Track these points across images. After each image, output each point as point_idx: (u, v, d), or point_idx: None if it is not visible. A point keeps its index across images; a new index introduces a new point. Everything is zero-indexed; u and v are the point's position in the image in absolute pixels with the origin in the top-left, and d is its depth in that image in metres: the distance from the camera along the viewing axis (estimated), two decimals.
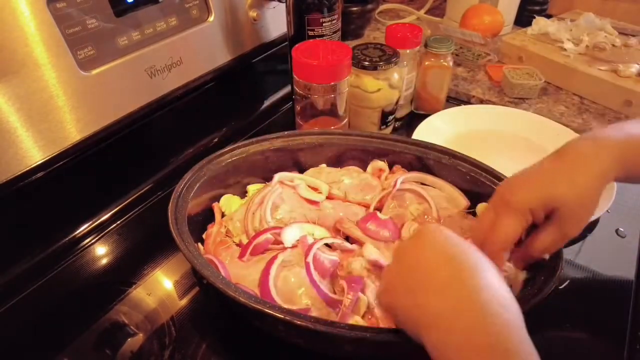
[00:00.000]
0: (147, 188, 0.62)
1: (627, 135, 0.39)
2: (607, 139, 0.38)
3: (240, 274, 0.44)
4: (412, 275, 0.32)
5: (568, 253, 0.52)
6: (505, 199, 0.38)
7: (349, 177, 0.55)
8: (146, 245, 0.55)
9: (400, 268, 0.34)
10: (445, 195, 0.52)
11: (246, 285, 0.42)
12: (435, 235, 0.33)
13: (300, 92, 0.60)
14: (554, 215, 0.37)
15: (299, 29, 0.64)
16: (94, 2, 0.50)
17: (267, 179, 0.55)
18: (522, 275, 0.42)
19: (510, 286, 0.42)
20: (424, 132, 0.67)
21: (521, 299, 0.37)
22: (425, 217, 0.50)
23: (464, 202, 0.51)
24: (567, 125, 0.69)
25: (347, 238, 0.48)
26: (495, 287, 0.29)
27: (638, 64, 0.75)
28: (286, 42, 0.72)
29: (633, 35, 0.85)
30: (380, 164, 0.56)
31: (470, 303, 0.28)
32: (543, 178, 0.38)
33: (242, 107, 0.77)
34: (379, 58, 0.62)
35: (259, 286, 0.42)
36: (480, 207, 0.50)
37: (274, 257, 0.43)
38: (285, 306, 0.39)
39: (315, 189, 0.54)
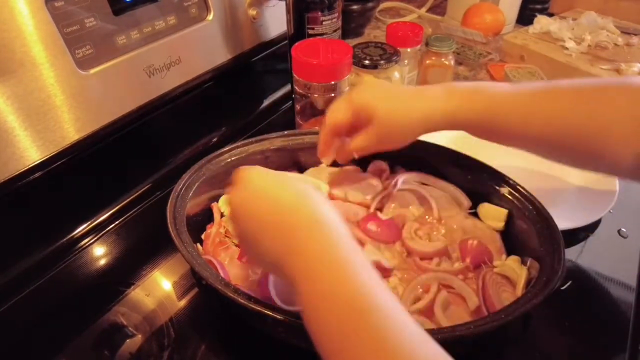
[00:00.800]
0: (145, 188, 0.62)
1: (471, 91, 0.43)
2: (452, 91, 0.43)
3: (239, 275, 0.44)
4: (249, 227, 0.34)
5: (570, 253, 0.52)
6: (347, 95, 0.46)
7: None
8: (145, 245, 0.55)
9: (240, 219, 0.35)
10: (446, 196, 0.52)
11: (245, 287, 0.42)
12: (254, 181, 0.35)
13: (300, 91, 0.59)
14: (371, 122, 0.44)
15: (299, 28, 0.63)
16: (93, 1, 0.49)
17: None
18: (524, 276, 0.42)
19: (513, 286, 0.42)
20: None
21: (523, 299, 0.37)
22: (426, 217, 0.50)
23: (465, 202, 0.51)
24: None
25: None
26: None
27: None
28: (286, 41, 0.71)
29: (635, 34, 0.85)
30: (381, 164, 0.55)
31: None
32: (385, 92, 0.45)
33: (242, 107, 0.77)
34: (379, 57, 0.62)
35: (258, 287, 0.42)
36: (482, 207, 0.50)
37: None
38: (285, 307, 0.39)
39: None
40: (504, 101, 0.42)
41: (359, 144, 0.45)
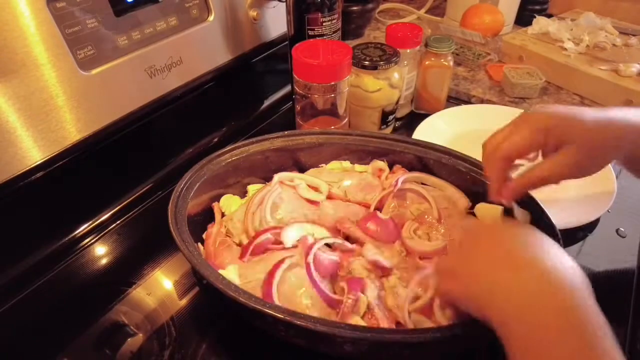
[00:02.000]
0: (147, 188, 0.62)
1: None
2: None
3: (240, 274, 0.44)
4: (489, 256, 0.34)
5: (568, 253, 0.52)
6: (525, 116, 0.38)
7: (349, 178, 0.55)
8: (146, 245, 0.55)
9: (473, 254, 0.36)
10: (445, 195, 0.52)
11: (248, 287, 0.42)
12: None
13: (300, 91, 0.60)
14: (563, 147, 0.36)
15: (299, 29, 0.64)
16: (94, 2, 0.50)
17: (267, 179, 0.55)
18: None
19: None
20: (424, 132, 0.67)
21: None
22: (426, 217, 0.50)
23: (464, 202, 0.51)
24: None
25: (347, 238, 0.48)
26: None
27: (638, 64, 0.75)
28: (286, 42, 0.72)
29: (634, 35, 0.85)
30: (380, 164, 0.56)
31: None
32: (574, 112, 0.37)
33: (242, 107, 0.77)
34: (379, 58, 0.62)
35: (261, 287, 0.42)
36: (480, 207, 0.50)
37: (281, 261, 0.43)
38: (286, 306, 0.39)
39: (315, 189, 0.54)
40: None
41: (554, 169, 0.37)
